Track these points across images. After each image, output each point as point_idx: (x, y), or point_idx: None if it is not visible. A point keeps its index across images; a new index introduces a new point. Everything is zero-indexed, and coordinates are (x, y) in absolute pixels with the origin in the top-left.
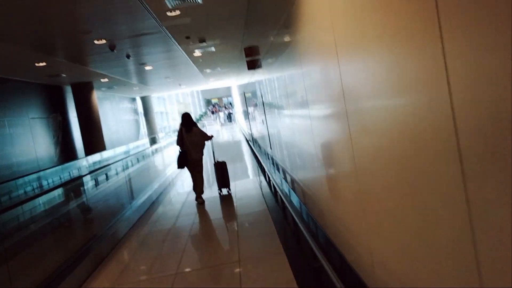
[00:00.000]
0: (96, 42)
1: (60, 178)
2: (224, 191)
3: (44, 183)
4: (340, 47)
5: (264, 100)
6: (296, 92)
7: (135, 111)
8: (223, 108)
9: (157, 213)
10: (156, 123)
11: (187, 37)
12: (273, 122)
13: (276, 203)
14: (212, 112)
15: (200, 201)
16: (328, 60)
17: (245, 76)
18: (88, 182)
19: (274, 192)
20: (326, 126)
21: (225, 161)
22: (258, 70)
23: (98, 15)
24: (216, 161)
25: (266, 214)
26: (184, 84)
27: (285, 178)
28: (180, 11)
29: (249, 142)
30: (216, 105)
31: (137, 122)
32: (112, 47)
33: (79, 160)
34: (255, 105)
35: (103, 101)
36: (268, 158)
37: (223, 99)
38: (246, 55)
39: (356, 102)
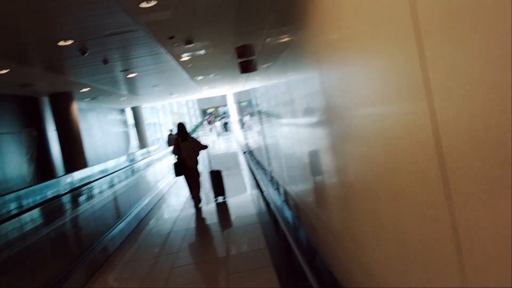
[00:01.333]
0: (62, 43)
1: (32, 201)
2: (220, 198)
3: (12, 206)
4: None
5: (260, 109)
6: (309, 99)
7: (125, 123)
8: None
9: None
10: (148, 135)
11: (171, 37)
12: (272, 134)
13: (279, 239)
14: (209, 122)
15: (197, 207)
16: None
17: (239, 83)
18: (67, 203)
19: (275, 225)
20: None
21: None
22: (253, 75)
23: (60, 10)
24: (211, 170)
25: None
26: (176, 93)
27: (287, 202)
28: (156, 1)
29: (245, 154)
30: (212, 114)
31: (127, 134)
32: (82, 50)
33: (58, 179)
34: (251, 114)
35: (87, 113)
36: (268, 176)
37: (219, 108)
38: (238, 56)
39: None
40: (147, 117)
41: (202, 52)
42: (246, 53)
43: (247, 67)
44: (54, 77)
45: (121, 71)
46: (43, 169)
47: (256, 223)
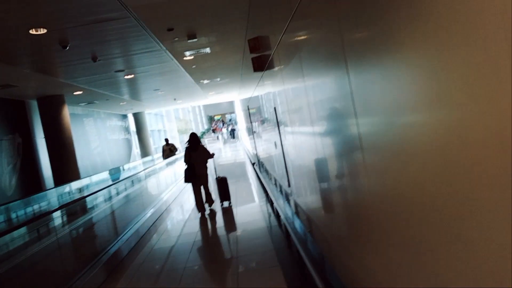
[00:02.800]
0: (33, 32)
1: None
2: (226, 203)
3: None
4: None
5: (280, 118)
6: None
7: (127, 130)
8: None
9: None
10: (151, 143)
11: (170, 29)
12: (298, 147)
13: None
14: (213, 131)
15: (204, 214)
16: None
17: (251, 87)
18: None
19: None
20: None
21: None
22: (269, 75)
23: None
24: (218, 176)
25: None
26: (180, 99)
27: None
28: None
29: (254, 165)
30: (218, 121)
31: (128, 141)
32: (62, 42)
33: (45, 193)
34: (262, 122)
35: (83, 118)
36: (287, 200)
37: (227, 115)
38: (252, 50)
39: None
40: (152, 124)
41: (207, 50)
42: (261, 47)
43: (261, 64)
44: (40, 78)
45: (116, 71)
46: (29, 181)
47: None
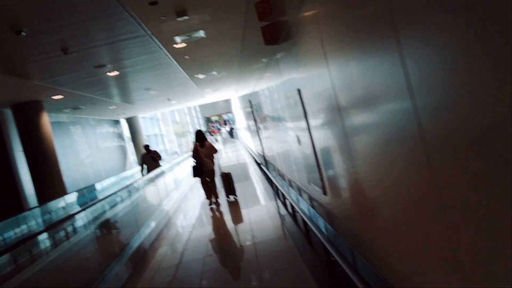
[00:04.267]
0: None
1: None
2: (231, 197)
3: None
4: None
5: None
6: None
7: (120, 136)
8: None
9: None
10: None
11: (153, 3)
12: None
13: None
14: (210, 133)
15: (212, 203)
16: None
17: (252, 79)
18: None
19: None
20: None
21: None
22: (293, 45)
23: None
24: (222, 172)
25: None
26: (174, 99)
27: None
28: None
29: (261, 165)
30: (215, 123)
31: (123, 149)
32: (13, 26)
33: (31, 212)
34: (272, 116)
35: (69, 126)
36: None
37: (224, 116)
38: (260, 16)
39: None
40: (148, 129)
41: (201, 33)
42: (275, 11)
43: (275, 35)
44: (8, 80)
45: (96, 67)
46: (6, 200)
47: None
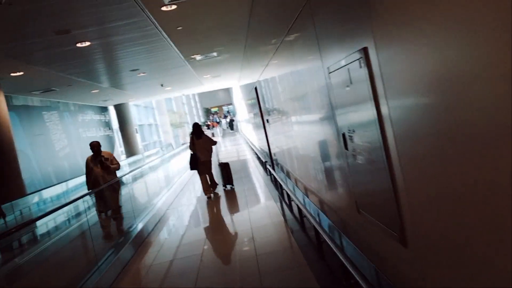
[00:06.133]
0: None
1: None
2: (228, 187)
3: None
4: None
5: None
6: None
7: (107, 125)
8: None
9: None
10: (138, 140)
11: None
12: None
13: None
14: (208, 127)
15: (208, 196)
16: None
17: (262, 61)
18: None
19: None
20: None
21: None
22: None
23: None
24: (220, 162)
25: None
26: (169, 85)
27: None
28: None
29: (267, 164)
30: (214, 114)
31: (110, 139)
32: None
33: None
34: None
35: (42, 112)
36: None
37: (224, 107)
38: None
39: None
40: (141, 118)
41: None
42: None
43: None
44: None
45: (58, 33)
46: None
47: None
